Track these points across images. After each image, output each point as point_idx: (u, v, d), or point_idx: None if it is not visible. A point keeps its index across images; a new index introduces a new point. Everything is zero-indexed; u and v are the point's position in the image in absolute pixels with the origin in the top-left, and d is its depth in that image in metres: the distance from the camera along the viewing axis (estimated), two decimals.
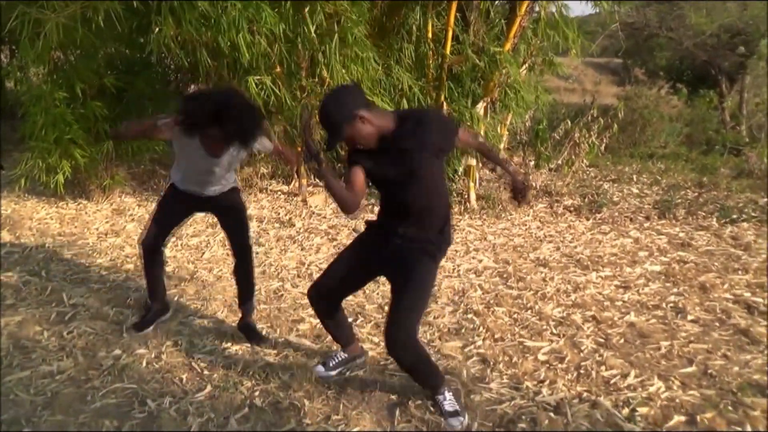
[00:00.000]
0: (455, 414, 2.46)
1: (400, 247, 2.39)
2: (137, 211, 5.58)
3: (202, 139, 2.78)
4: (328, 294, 2.58)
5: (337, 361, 2.79)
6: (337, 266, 2.57)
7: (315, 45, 4.90)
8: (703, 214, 5.73)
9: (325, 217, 5.42)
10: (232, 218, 3.20)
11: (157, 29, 4.17)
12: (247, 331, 3.16)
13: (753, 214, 5.67)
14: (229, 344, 3.10)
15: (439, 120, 2.57)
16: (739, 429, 2.48)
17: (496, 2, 5.91)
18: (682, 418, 2.55)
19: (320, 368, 2.76)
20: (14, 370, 2.79)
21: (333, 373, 2.75)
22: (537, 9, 5.83)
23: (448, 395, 2.52)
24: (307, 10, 4.64)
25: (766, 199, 6.21)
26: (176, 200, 3.11)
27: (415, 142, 2.27)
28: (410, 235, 2.38)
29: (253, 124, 2.70)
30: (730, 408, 2.63)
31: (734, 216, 5.63)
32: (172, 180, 3.12)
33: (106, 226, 5.14)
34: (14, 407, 2.51)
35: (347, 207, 2.28)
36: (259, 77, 4.64)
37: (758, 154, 7.94)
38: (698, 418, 2.54)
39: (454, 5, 5.26)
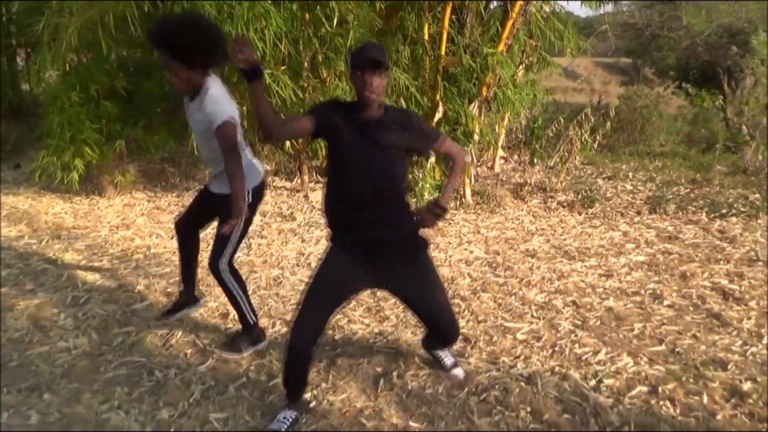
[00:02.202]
0: (455, 365, 2.82)
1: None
2: (147, 206, 5.86)
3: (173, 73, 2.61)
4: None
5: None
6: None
7: (316, 46, 5.15)
8: (693, 209, 5.91)
9: None
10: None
11: None
12: None
13: (742, 209, 5.85)
14: (231, 325, 3.35)
15: (420, 125, 2.47)
16: (697, 398, 2.69)
17: (492, 5, 6.11)
18: (645, 389, 2.76)
19: None
20: (34, 346, 3.06)
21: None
22: (530, 11, 6.04)
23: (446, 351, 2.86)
24: (314, 12, 4.87)
25: (757, 195, 6.37)
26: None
27: (393, 133, 2.30)
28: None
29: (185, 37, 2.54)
30: (691, 380, 2.84)
31: (723, 211, 5.80)
32: None
33: (117, 220, 5.41)
34: (35, 376, 2.77)
35: (264, 122, 2.18)
36: (268, 71, 4.88)
37: (753, 151, 8.08)
38: (660, 389, 2.76)
39: (449, 8, 5.48)
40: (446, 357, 2.86)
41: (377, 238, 2.35)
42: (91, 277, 4.02)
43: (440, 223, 2.39)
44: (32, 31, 5.58)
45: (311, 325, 2.35)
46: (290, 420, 2.41)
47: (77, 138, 5.53)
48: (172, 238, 4.92)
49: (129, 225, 5.24)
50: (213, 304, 3.63)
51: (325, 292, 2.38)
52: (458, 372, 2.81)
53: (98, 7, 4.21)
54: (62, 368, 2.85)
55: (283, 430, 2.37)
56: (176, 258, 4.39)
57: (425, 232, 2.49)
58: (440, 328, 2.59)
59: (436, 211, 2.41)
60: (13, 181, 6.65)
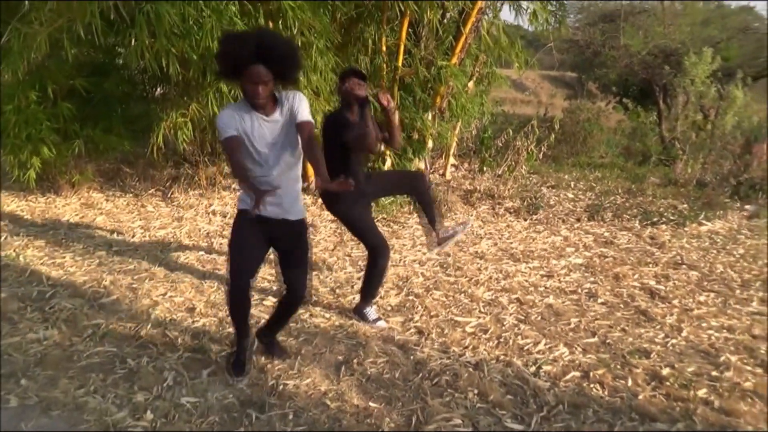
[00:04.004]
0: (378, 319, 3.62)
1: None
2: (105, 205, 5.91)
3: (247, 92, 2.59)
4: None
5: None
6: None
7: None
8: (628, 217, 6.38)
9: None
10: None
11: (133, 41, 4.53)
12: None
13: (671, 218, 6.36)
14: (198, 318, 3.51)
15: None
16: (623, 382, 3.04)
17: (445, 20, 6.44)
18: (578, 374, 3.09)
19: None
20: (5, 337, 3.15)
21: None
22: (481, 28, 6.41)
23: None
24: (277, 22, 5.06)
25: (685, 205, 6.92)
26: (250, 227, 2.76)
27: None
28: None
29: (294, 60, 2.65)
30: (618, 367, 3.19)
31: (655, 219, 6.30)
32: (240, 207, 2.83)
33: (76, 218, 5.46)
34: (9, 365, 2.88)
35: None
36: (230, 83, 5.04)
37: (683, 164, 8.70)
38: (591, 374, 3.09)
39: (406, 22, 5.79)
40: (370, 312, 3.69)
41: None
42: (54, 272, 4.10)
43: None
44: None
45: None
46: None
47: (34, 137, 5.54)
48: (133, 236, 5.03)
49: (88, 224, 5.30)
50: (179, 298, 3.78)
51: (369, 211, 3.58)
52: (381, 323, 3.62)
53: (66, 16, 4.29)
54: (35, 357, 2.97)
55: None
56: (138, 255, 4.53)
57: None
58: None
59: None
60: None
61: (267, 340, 3.12)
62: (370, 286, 3.61)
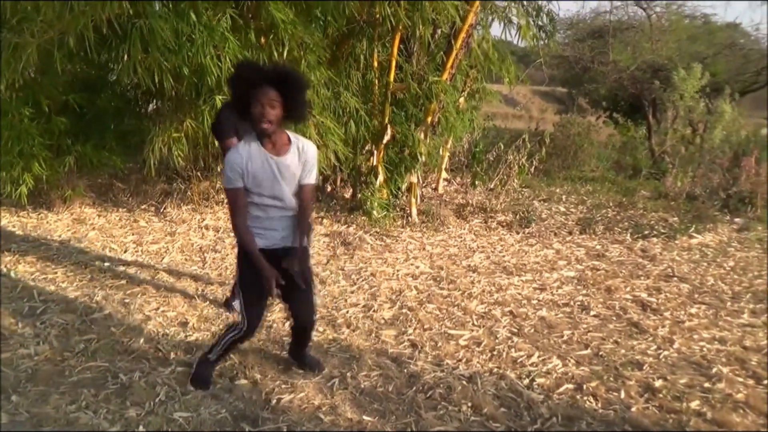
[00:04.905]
0: None
1: None
2: (97, 220, 5.89)
3: (254, 117, 2.53)
4: None
5: None
6: None
7: None
8: (619, 230, 6.43)
9: None
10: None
11: (126, 56, 4.55)
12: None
13: (662, 231, 6.40)
14: (190, 332, 3.50)
15: None
16: (615, 394, 3.05)
17: (436, 36, 6.50)
18: (571, 386, 3.10)
19: None
20: None
21: None
22: (472, 43, 6.48)
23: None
24: (269, 38, 5.10)
25: (675, 218, 6.98)
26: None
27: None
28: None
29: (303, 91, 2.63)
30: (611, 379, 3.20)
31: (646, 232, 6.35)
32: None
33: (68, 233, 5.43)
34: (1, 380, 2.86)
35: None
36: (224, 96, 5.06)
37: (673, 178, 8.78)
38: (584, 386, 3.10)
39: (398, 37, 5.84)
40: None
41: None
42: (46, 288, 4.08)
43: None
44: None
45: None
46: None
47: (27, 153, 5.53)
48: (125, 251, 5.01)
49: (80, 239, 5.28)
50: (172, 313, 3.77)
51: None
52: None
53: (58, 28, 4.30)
54: (26, 373, 2.95)
55: None
56: (131, 270, 4.52)
57: None
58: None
59: None
60: None
61: (300, 357, 3.14)
62: None
